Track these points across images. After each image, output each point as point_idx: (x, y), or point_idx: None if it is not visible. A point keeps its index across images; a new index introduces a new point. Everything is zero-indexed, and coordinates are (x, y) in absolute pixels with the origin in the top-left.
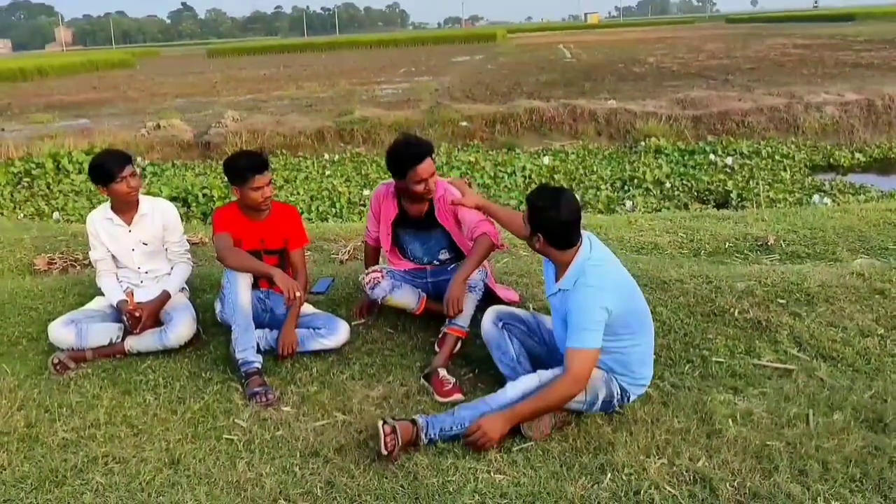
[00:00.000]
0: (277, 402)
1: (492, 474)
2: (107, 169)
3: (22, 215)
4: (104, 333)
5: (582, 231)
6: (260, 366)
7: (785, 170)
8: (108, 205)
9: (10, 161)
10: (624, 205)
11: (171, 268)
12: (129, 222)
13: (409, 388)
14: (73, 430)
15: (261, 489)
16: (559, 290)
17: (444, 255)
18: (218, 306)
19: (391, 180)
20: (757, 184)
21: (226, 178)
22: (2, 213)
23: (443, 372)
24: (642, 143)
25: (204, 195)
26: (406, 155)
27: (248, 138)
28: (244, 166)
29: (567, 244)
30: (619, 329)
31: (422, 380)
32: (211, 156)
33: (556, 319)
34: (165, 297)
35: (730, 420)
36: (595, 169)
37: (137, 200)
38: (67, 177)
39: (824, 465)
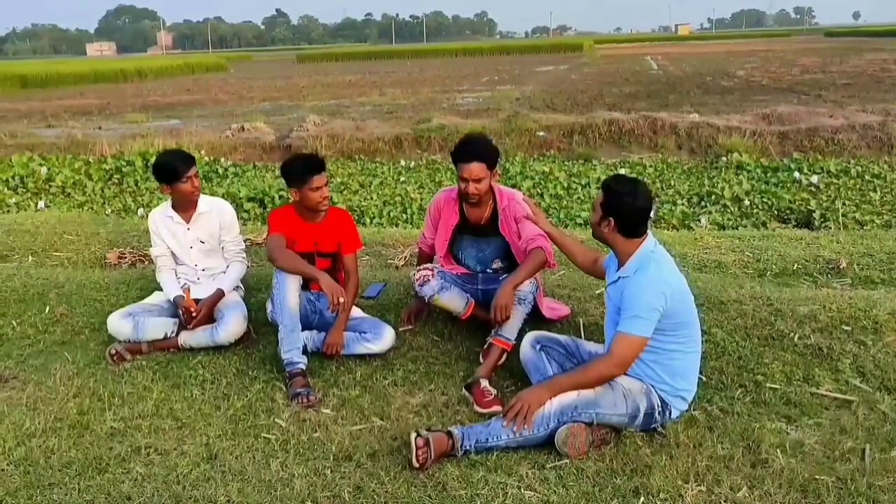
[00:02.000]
0: (319, 404)
1: (522, 490)
2: (172, 168)
3: (110, 210)
4: (160, 327)
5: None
6: (304, 367)
7: (874, 190)
8: (168, 203)
9: (104, 158)
10: (699, 221)
11: (227, 266)
12: (188, 220)
13: (450, 398)
14: (122, 419)
15: (290, 490)
16: (619, 277)
17: (496, 265)
18: (269, 306)
19: (452, 186)
20: (844, 204)
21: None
22: (91, 208)
23: (484, 383)
24: (723, 159)
25: (280, 197)
26: (305, 165)
27: (327, 142)
28: (302, 167)
29: (635, 233)
30: (667, 328)
31: (463, 390)
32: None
33: (609, 312)
34: (219, 294)
35: (778, 450)
36: (672, 183)
37: (197, 200)
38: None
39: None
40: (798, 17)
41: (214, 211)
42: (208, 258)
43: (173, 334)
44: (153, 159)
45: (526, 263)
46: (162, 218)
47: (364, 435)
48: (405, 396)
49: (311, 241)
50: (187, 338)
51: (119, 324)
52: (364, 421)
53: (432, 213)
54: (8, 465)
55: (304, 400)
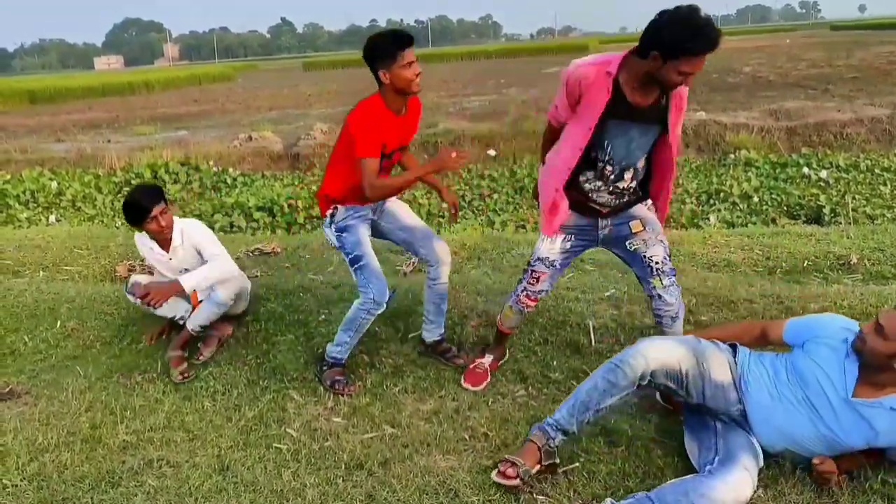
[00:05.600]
0: (353, 392)
1: (534, 495)
2: (137, 209)
3: (120, 223)
4: (172, 306)
5: None
6: (345, 361)
7: (885, 184)
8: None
9: (113, 171)
10: (708, 219)
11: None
12: (167, 251)
13: (460, 404)
14: (134, 432)
15: (302, 499)
16: (893, 409)
17: (641, 164)
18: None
19: (598, 56)
20: (853, 198)
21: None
22: (102, 221)
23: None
24: (731, 156)
25: (289, 206)
26: (394, 39)
27: None
28: (390, 41)
29: None
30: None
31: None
32: (299, 167)
33: (827, 420)
34: (174, 286)
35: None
36: (680, 181)
37: (170, 235)
38: (164, 187)
39: None
40: (803, 11)
41: (187, 239)
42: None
43: (187, 314)
44: (161, 171)
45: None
46: (145, 248)
47: (375, 443)
48: (416, 403)
49: (398, 139)
50: (194, 319)
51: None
52: (375, 429)
53: (571, 86)
54: (21, 480)
55: (345, 389)
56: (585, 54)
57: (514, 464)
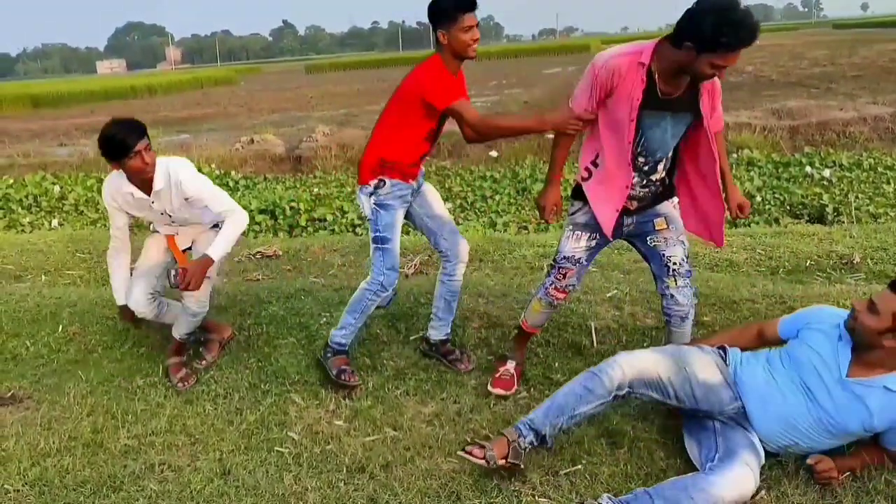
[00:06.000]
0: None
1: (536, 497)
2: (119, 141)
3: None
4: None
5: None
6: (347, 348)
7: (888, 182)
8: (123, 175)
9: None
10: None
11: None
12: (149, 194)
13: (462, 406)
14: (135, 437)
15: (304, 503)
16: (885, 388)
17: (671, 154)
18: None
19: (626, 47)
20: (856, 197)
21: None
22: (104, 225)
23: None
24: (734, 155)
25: (291, 208)
26: (456, 1)
27: (337, 152)
28: (453, 3)
29: None
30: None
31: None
32: (301, 169)
33: (822, 402)
34: (207, 262)
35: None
36: None
37: (152, 176)
38: None
39: None
40: (806, 10)
41: (173, 187)
42: (186, 215)
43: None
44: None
45: (723, 153)
46: (121, 193)
47: (377, 446)
48: (417, 406)
49: (463, 93)
50: (177, 330)
51: (142, 300)
52: (377, 432)
53: (602, 80)
54: (23, 485)
55: (350, 378)
56: (587, 55)
57: (482, 447)
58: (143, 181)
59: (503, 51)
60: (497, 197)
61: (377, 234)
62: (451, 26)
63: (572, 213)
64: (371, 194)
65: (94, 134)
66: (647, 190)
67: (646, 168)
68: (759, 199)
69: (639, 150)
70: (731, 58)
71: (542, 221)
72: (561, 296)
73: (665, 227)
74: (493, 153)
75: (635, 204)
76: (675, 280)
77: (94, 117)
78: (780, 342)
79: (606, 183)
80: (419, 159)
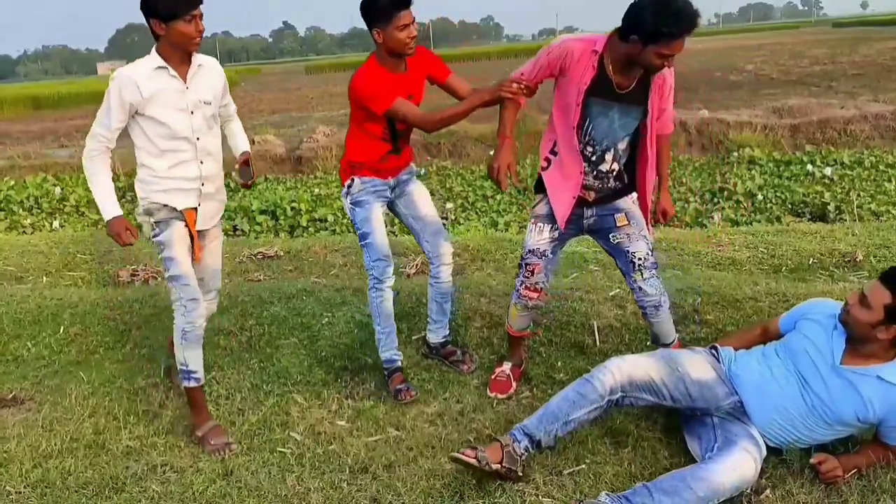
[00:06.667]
0: (412, 397)
1: (540, 497)
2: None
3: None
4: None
5: None
6: (401, 363)
7: (889, 181)
8: (152, 55)
9: (116, 176)
10: (712, 218)
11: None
12: (184, 77)
13: (465, 406)
14: (138, 438)
15: None
16: (878, 377)
17: (622, 146)
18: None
19: (586, 35)
20: (858, 195)
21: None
22: (105, 227)
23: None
24: (735, 154)
25: (292, 209)
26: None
27: (337, 153)
28: (388, 2)
29: None
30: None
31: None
32: (302, 170)
33: (816, 389)
34: (248, 157)
35: (799, 448)
36: (684, 180)
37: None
38: None
39: None
40: (805, 8)
41: (213, 66)
42: (209, 132)
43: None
44: None
45: (664, 157)
46: (147, 73)
47: (380, 446)
48: (420, 406)
49: (405, 93)
50: (177, 358)
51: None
52: (379, 432)
53: (551, 60)
54: (25, 487)
55: (406, 395)
56: None
57: (474, 448)
58: (183, 58)
59: (503, 51)
60: (498, 196)
61: (358, 230)
62: (387, 25)
63: (534, 206)
64: (346, 195)
65: None
66: (600, 182)
67: (593, 158)
68: (760, 197)
69: (586, 138)
70: (675, 46)
71: (497, 186)
72: (534, 295)
73: (626, 222)
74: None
75: (593, 195)
76: (642, 273)
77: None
78: (782, 338)
79: (562, 170)
80: (386, 155)
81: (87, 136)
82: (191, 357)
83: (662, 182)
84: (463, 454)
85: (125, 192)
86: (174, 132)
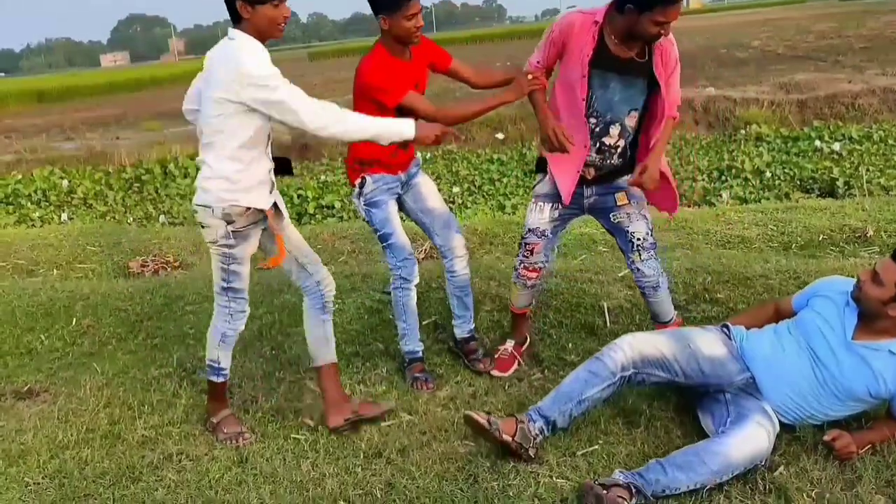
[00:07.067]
0: (435, 389)
1: (553, 478)
2: None
3: (131, 219)
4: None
5: None
6: (422, 353)
7: None
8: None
9: (123, 168)
10: (720, 196)
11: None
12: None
13: (477, 389)
14: (153, 427)
15: (322, 489)
16: (890, 352)
17: (630, 122)
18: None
19: (587, 9)
20: (867, 170)
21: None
22: (114, 218)
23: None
24: (742, 131)
25: (299, 196)
26: None
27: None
28: None
29: None
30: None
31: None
32: (308, 157)
33: (828, 364)
34: None
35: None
36: (691, 159)
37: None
38: (174, 181)
39: None
40: None
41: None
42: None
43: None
44: (171, 165)
45: (664, 134)
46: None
47: (393, 431)
48: (432, 390)
49: (412, 82)
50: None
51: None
52: (392, 417)
53: (555, 36)
54: (43, 478)
55: (423, 386)
56: None
57: (488, 413)
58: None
59: (506, 33)
60: (505, 179)
61: (377, 232)
62: (395, 13)
63: (535, 186)
64: (359, 195)
65: (99, 127)
66: (602, 157)
67: (597, 129)
68: (768, 174)
69: (589, 110)
70: (670, 12)
71: (563, 150)
72: (532, 275)
73: (626, 201)
74: (500, 135)
75: (593, 172)
76: (640, 254)
77: (99, 111)
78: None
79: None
80: (395, 150)
81: (298, 104)
82: (223, 356)
83: (657, 153)
84: (476, 414)
85: (132, 184)
86: None
